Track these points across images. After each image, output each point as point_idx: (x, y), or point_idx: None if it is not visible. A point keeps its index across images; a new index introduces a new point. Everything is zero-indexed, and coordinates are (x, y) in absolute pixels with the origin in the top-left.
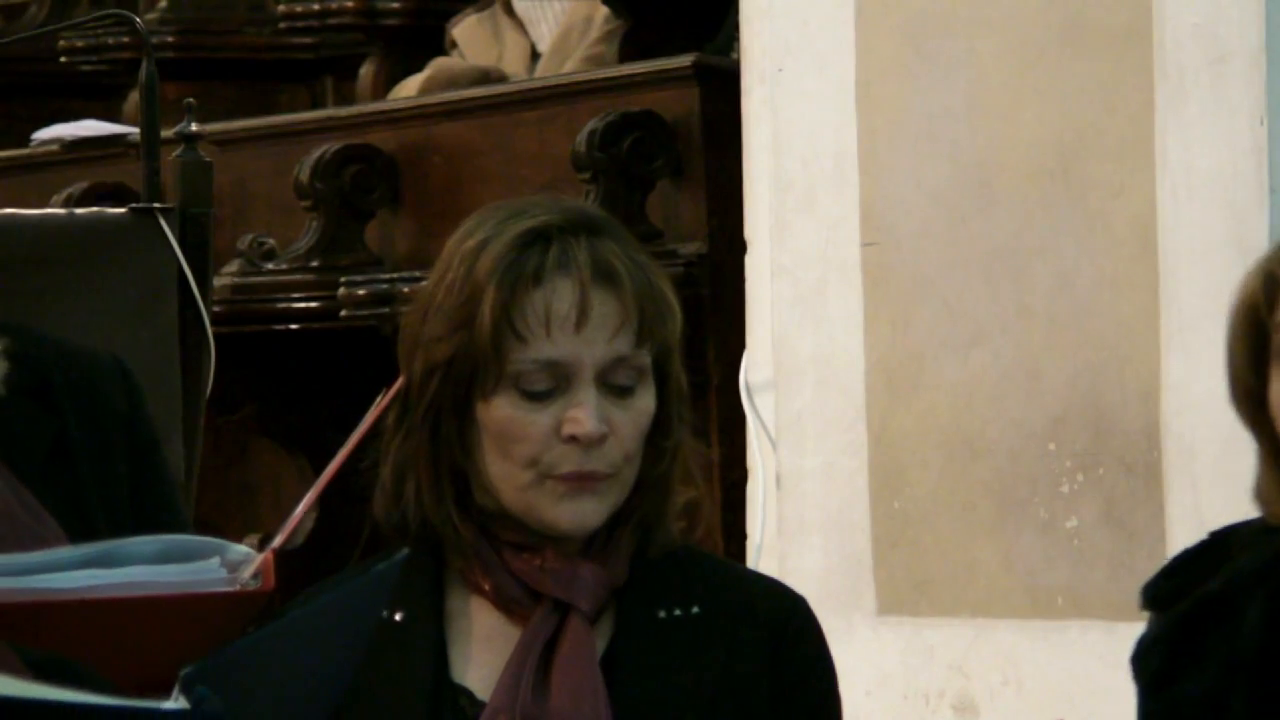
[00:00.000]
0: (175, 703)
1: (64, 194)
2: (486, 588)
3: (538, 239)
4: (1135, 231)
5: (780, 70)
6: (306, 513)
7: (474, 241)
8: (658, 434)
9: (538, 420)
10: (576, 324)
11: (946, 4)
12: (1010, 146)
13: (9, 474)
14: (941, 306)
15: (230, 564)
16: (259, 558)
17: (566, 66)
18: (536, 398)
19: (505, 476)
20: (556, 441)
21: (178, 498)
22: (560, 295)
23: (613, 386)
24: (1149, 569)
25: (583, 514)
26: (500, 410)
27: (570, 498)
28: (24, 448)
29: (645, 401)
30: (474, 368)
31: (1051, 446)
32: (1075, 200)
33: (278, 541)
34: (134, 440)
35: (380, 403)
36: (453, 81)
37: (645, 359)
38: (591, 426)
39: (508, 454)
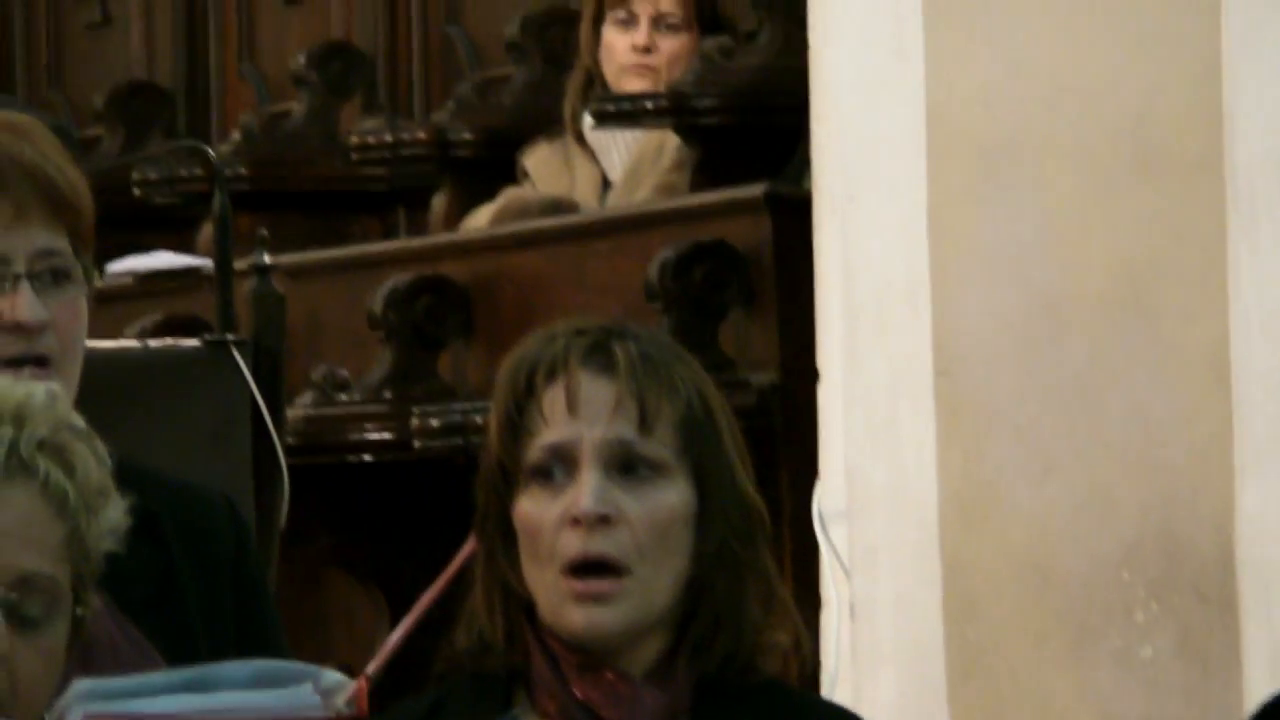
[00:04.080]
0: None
1: (137, 326)
2: (551, 710)
3: (548, 341)
4: (1208, 359)
5: (851, 199)
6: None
7: (507, 360)
8: (699, 538)
9: (550, 510)
10: (570, 407)
11: (1017, 132)
12: (1082, 274)
13: (114, 608)
14: (1014, 435)
15: (324, 690)
16: (352, 685)
17: (638, 196)
18: (548, 487)
19: (537, 580)
20: (566, 528)
21: (283, 636)
22: (558, 384)
23: (625, 474)
24: (1224, 700)
25: (597, 615)
26: (522, 508)
27: (584, 598)
28: (131, 583)
29: (666, 496)
30: (500, 472)
31: (1125, 575)
32: (1147, 328)
33: (371, 668)
34: (241, 578)
35: (454, 563)
36: (524, 211)
37: (660, 451)
38: (588, 503)
39: (535, 553)
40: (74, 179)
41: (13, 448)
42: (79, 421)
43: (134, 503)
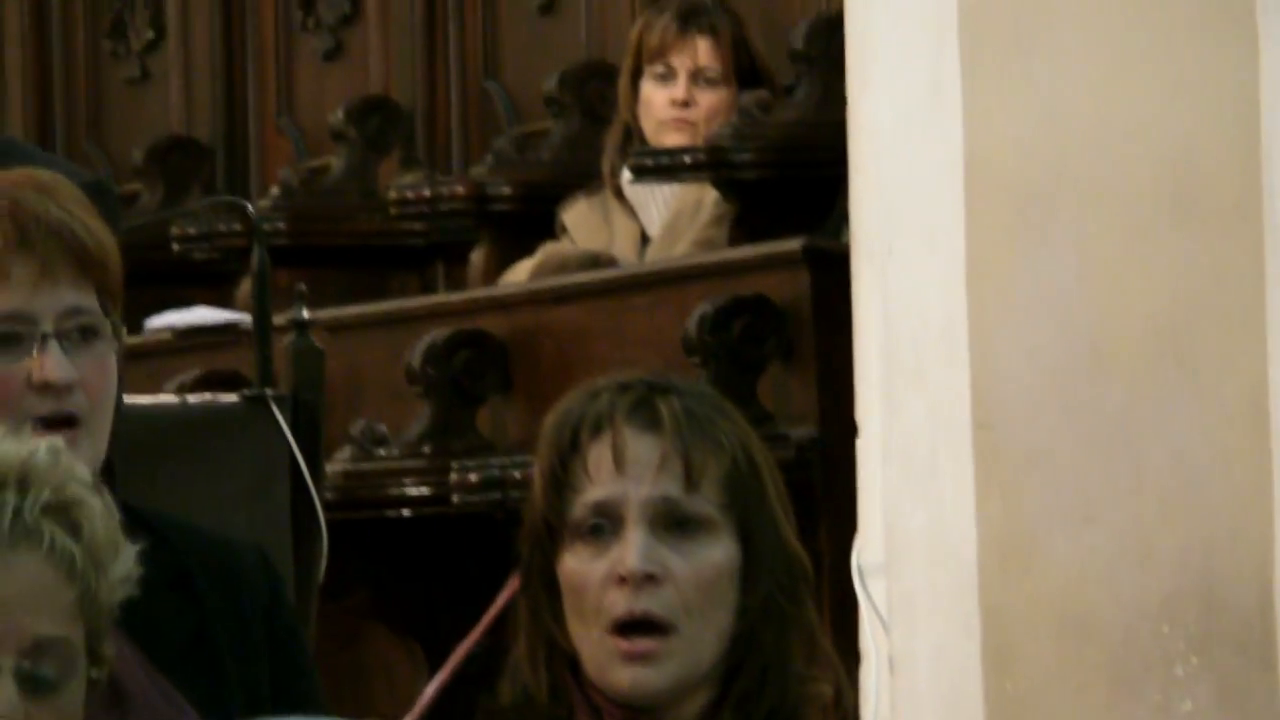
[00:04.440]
0: None
1: (177, 381)
2: None
3: (592, 397)
4: (1247, 405)
5: (889, 249)
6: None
7: (550, 415)
8: (744, 592)
9: (596, 568)
10: (616, 464)
11: (1056, 179)
12: (1121, 321)
13: (147, 663)
14: (1053, 482)
15: None
16: None
17: (677, 250)
18: (593, 544)
19: (582, 637)
20: (612, 586)
21: (319, 688)
22: (603, 440)
23: (671, 532)
24: None
25: (644, 675)
26: (567, 565)
27: (631, 657)
28: (164, 638)
29: (712, 553)
30: (545, 528)
31: (1165, 628)
32: (1186, 374)
33: None
34: (274, 630)
35: (510, 586)
36: (563, 266)
37: (705, 507)
38: (634, 562)
39: (580, 611)
40: (100, 235)
41: (16, 514)
42: (84, 474)
43: (166, 557)
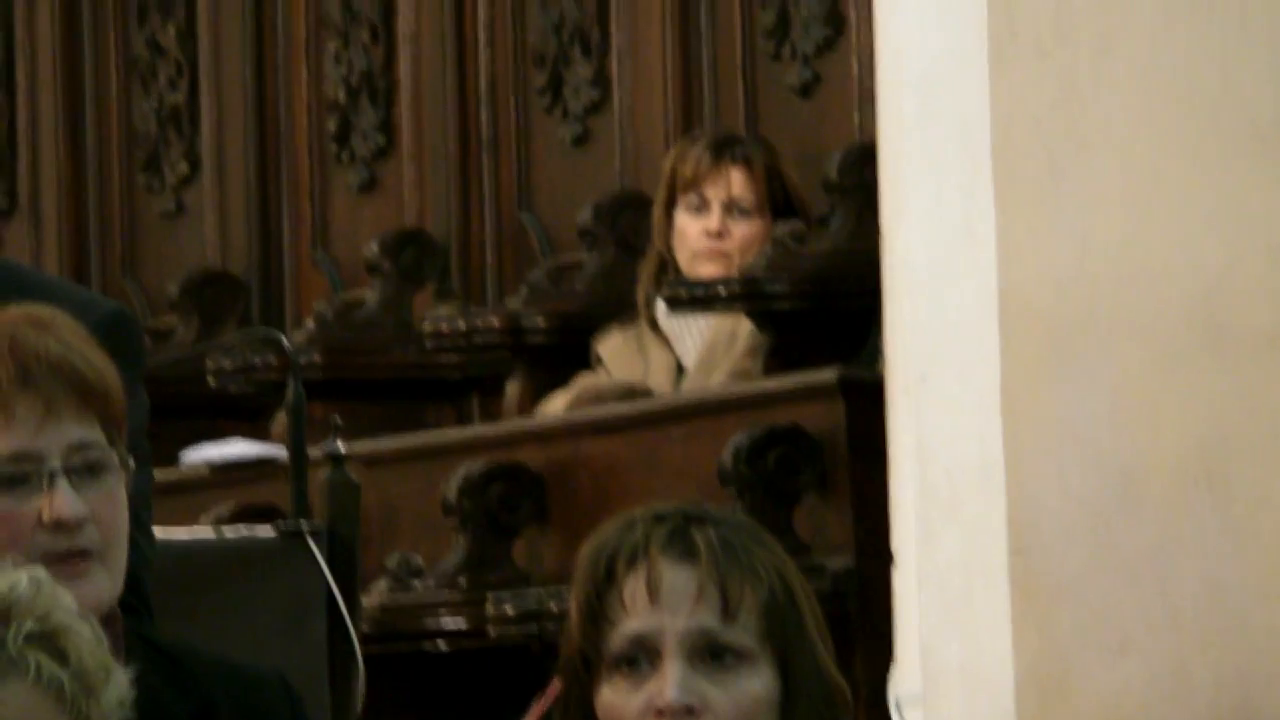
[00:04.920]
0: None
1: (212, 514)
2: None
3: (627, 528)
4: None
5: (924, 379)
6: None
7: (585, 546)
8: None
9: (633, 701)
10: (652, 596)
11: (1088, 310)
12: (1155, 451)
13: None
14: (1088, 612)
15: None
16: None
17: (712, 381)
18: (631, 677)
19: None
20: (650, 718)
21: None
22: (638, 572)
23: (709, 663)
24: None
25: None
26: (604, 698)
27: None
28: None
29: (751, 684)
30: (581, 660)
31: None
32: (1221, 504)
33: None
34: None
35: (537, 706)
36: (599, 398)
37: (744, 638)
38: (672, 695)
39: None
40: (101, 366)
41: (1, 645)
42: (69, 602)
43: (189, 688)
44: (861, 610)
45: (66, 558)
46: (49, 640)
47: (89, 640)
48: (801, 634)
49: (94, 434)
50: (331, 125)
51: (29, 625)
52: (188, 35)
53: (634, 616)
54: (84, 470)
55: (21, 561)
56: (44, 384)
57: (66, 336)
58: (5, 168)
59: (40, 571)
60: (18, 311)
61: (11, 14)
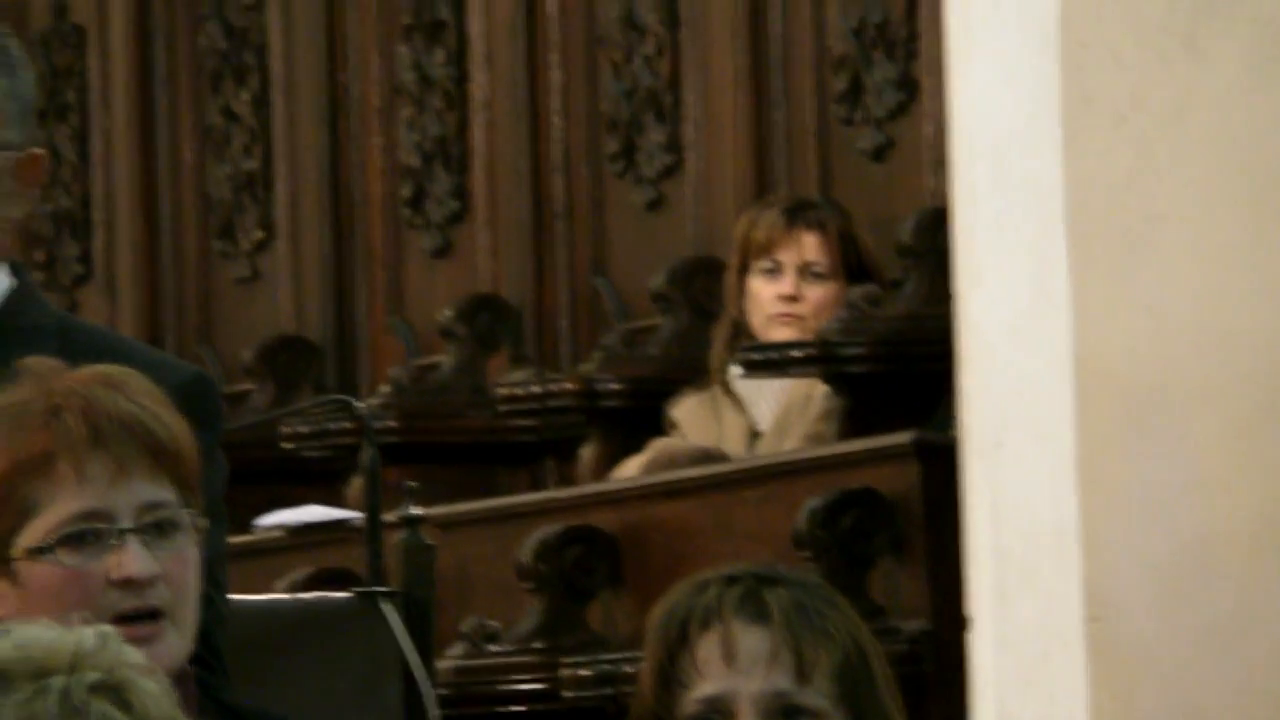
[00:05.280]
0: None
1: (288, 579)
2: None
3: (699, 590)
4: None
5: (999, 444)
6: None
7: (657, 609)
8: None
9: None
10: (725, 658)
11: (1165, 379)
12: (1230, 520)
13: None
14: (1163, 681)
15: None
16: None
17: (787, 444)
18: None
19: None
20: None
21: None
22: (712, 634)
23: None
24: None
25: None
26: None
27: None
28: None
29: None
30: None
31: None
32: None
33: None
34: None
35: None
36: (673, 461)
37: (818, 700)
38: None
39: None
40: (174, 426)
41: (65, 695)
42: (136, 657)
43: None
44: (936, 673)
45: (136, 618)
46: (114, 692)
47: (155, 694)
48: (874, 696)
49: (166, 494)
50: (406, 191)
51: (94, 676)
52: (262, 102)
53: (708, 679)
54: (155, 529)
55: (91, 620)
56: (116, 443)
57: (139, 396)
58: (80, 235)
59: (108, 628)
60: (91, 372)
61: (86, 81)
